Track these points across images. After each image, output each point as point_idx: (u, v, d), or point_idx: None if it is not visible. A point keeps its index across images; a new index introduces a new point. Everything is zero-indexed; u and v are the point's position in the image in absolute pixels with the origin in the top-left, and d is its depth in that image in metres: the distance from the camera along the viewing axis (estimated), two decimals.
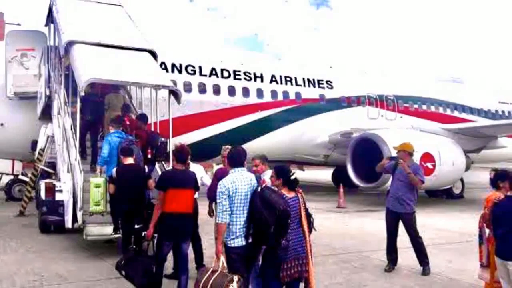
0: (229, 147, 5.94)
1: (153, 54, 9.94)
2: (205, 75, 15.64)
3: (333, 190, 18.46)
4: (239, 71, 16.31)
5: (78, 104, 8.71)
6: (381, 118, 18.37)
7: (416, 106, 19.46)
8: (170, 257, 5.79)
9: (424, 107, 19.72)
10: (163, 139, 8.90)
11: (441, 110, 20.12)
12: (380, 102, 18.61)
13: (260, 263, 4.77)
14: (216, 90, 15.67)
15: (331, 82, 17.98)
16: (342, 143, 16.58)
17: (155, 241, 5.68)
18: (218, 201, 4.65)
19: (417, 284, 6.48)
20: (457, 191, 17.20)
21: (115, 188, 6.81)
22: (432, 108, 19.92)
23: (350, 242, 9.13)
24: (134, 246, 5.93)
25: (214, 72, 15.82)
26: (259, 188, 4.68)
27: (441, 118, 19.63)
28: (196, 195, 6.05)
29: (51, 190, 9.02)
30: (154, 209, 5.59)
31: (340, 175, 18.93)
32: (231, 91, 15.89)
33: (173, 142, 8.25)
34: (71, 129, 9.12)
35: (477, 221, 5.53)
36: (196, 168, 6.93)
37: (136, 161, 7.21)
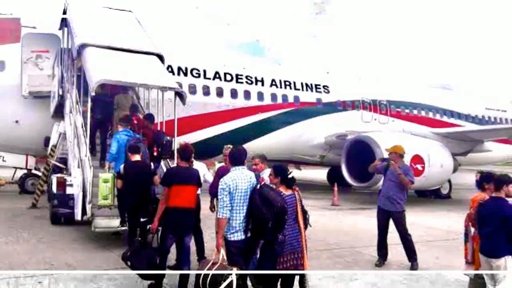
0: (231, 146, 5.94)
1: (161, 58, 9.95)
2: (209, 78, 15.61)
3: (328, 188, 18.43)
4: (241, 75, 16.27)
5: (89, 104, 8.72)
6: (374, 122, 18.35)
7: (407, 110, 19.43)
8: (173, 249, 5.78)
9: (415, 111, 19.67)
10: (168, 138, 8.91)
11: (431, 115, 20.10)
12: (374, 106, 18.58)
13: (258, 256, 4.77)
14: (219, 93, 15.64)
15: (327, 86, 17.96)
16: (337, 144, 16.57)
17: (159, 234, 5.68)
18: (219, 197, 4.66)
19: (405, 279, 6.48)
20: (444, 191, 17.16)
21: (123, 183, 6.81)
22: (423, 113, 19.88)
23: (344, 238, 9.12)
24: (140, 239, 5.94)
25: (217, 76, 15.80)
26: (258, 186, 4.69)
27: (431, 122, 19.60)
28: (198, 191, 6.04)
29: (62, 184, 9.01)
30: (159, 203, 5.59)
31: (335, 175, 18.90)
32: (234, 93, 15.86)
33: (178, 141, 8.24)
34: (82, 127, 9.12)
35: (463, 220, 5.53)
36: (199, 165, 6.93)
37: (142, 158, 7.21)
